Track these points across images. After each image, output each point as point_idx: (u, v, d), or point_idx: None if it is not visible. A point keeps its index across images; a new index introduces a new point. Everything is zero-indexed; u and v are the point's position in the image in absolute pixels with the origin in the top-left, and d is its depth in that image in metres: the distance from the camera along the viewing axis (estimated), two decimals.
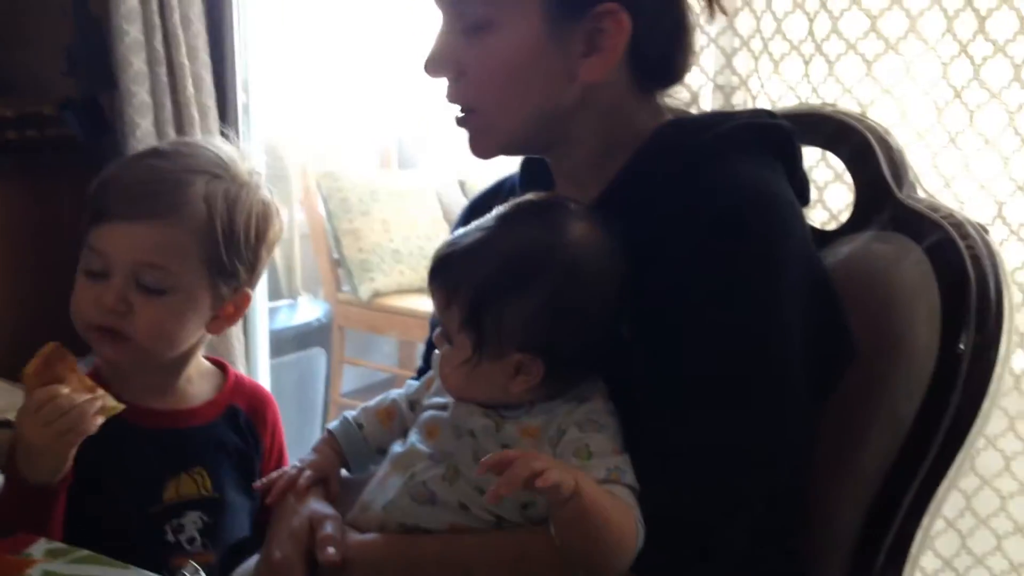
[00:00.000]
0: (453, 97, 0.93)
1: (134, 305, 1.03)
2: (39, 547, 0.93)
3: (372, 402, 0.99)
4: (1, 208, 1.97)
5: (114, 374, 1.10)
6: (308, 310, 2.75)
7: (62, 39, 2.04)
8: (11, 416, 1.85)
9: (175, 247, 1.04)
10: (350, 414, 0.98)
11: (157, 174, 1.06)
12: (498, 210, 0.89)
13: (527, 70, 0.89)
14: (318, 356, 2.65)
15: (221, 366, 1.18)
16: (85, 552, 0.92)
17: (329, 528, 0.87)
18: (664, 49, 0.93)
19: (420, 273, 3.13)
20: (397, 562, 0.86)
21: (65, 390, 0.97)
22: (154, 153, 1.13)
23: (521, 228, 0.86)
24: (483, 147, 0.94)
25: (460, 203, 3.28)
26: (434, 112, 3.45)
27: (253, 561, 0.94)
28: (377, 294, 3.05)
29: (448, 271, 0.87)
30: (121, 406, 1.00)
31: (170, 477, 1.09)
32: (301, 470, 0.94)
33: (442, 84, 0.94)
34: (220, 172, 1.08)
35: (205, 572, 1.06)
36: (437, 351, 0.91)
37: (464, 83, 0.91)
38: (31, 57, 2.08)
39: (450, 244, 0.88)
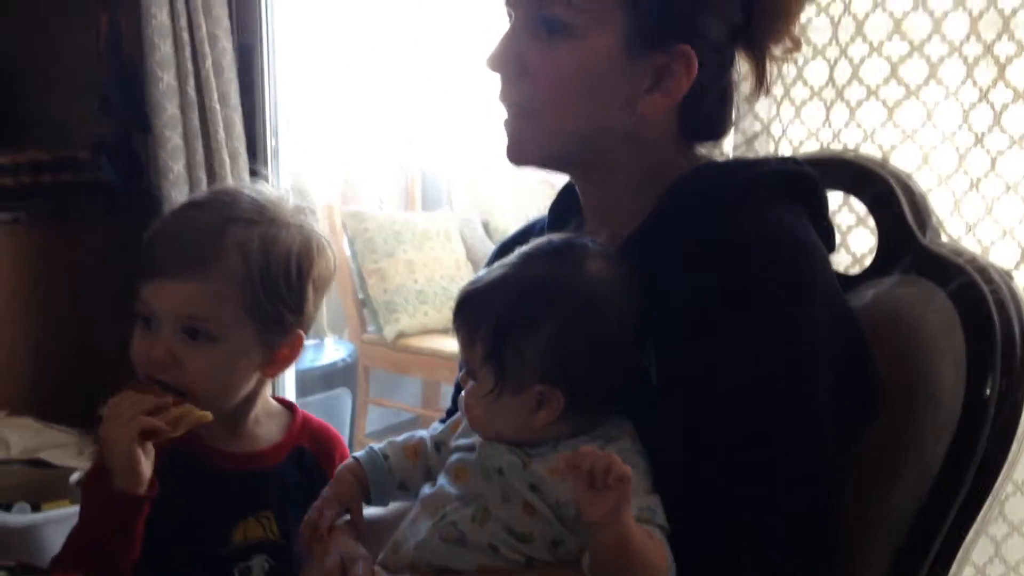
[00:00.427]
0: (508, 96, 0.94)
1: (182, 358, 1.05)
2: None
3: (399, 438, 1.01)
4: (34, 249, 2.01)
5: None
6: (334, 350, 2.78)
7: (97, 85, 2.10)
8: (42, 455, 1.89)
9: (214, 299, 1.05)
10: (376, 446, 1.00)
11: (193, 227, 1.08)
12: (520, 249, 0.91)
13: (593, 84, 0.91)
14: (343, 396, 2.67)
15: (289, 406, 1.19)
16: None
17: (360, 568, 0.88)
18: (713, 107, 0.95)
19: (444, 314, 3.15)
20: None
21: (140, 396, 1.01)
22: (193, 205, 1.15)
23: (540, 266, 0.89)
24: (523, 152, 0.95)
25: (484, 244, 3.30)
26: (458, 152, 3.50)
27: None
28: (402, 334, 3.07)
29: (470, 308, 0.90)
30: (208, 415, 1.02)
31: (239, 520, 1.09)
32: (321, 511, 0.95)
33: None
34: (257, 217, 1.08)
35: None
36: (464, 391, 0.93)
37: (524, 83, 0.92)
38: (67, 102, 2.14)
39: (472, 283, 0.91)
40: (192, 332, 1.05)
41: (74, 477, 1.86)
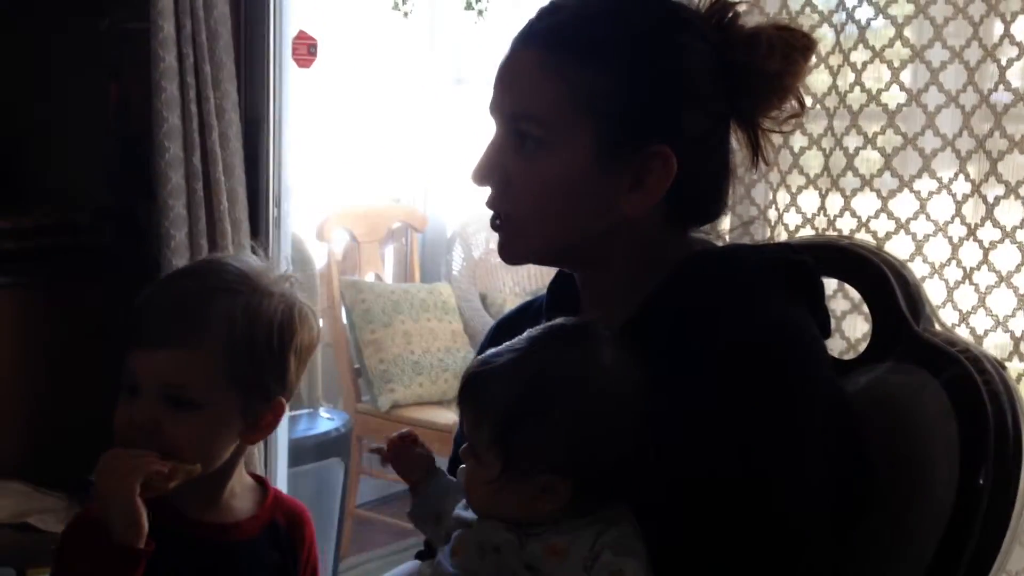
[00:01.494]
0: (494, 204, 0.95)
1: (165, 425, 1.05)
2: None
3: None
4: (32, 312, 2.01)
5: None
6: (327, 420, 2.76)
7: (104, 153, 2.13)
8: (30, 520, 1.86)
9: (197, 368, 1.06)
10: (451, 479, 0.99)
11: (178, 298, 1.09)
12: (530, 332, 0.90)
13: (570, 194, 0.92)
14: (336, 466, 2.64)
15: (261, 481, 1.19)
16: None
17: None
18: (703, 193, 0.96)
19: (439, 386, 3.15)
20: None
21: (131, 450, 1.01)
22: (180, 275, 1.19)
23: (552, 352, 0.88)
24: (514, 254, 0.97)
25: (481, 317, 3.31)
26: (458, 226, 3.53)
27: None
28: (396, 405, 3.06)
29: (479, 390, 0.89)
30: (197, 467, 1.03)
31: None
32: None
33: (477, 195, 0.97)
34: (241, 287, 1.09)
35: None
36: (463, 466, 0.92)
37: (508, 194, 0.94)
38: (74, 169, 2.17)
39: (482, 363, 0.90)
40: (175, 400, 1.05)
41: None
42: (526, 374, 0.87)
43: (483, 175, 0.95)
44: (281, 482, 2.16)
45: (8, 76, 2.14)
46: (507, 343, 0.91)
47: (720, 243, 1.06)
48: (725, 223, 1.55)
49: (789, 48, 0.93)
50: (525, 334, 0.91)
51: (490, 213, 0.97)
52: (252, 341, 1.08)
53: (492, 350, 0.91)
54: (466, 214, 3.48)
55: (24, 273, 1.98)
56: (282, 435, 2.17)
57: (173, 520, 1.07)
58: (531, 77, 0.92)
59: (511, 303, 3.29)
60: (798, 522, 0.86)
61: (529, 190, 0.93)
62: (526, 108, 0.92)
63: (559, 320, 0.92)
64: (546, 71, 0.91)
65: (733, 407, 0.86)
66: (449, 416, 3.02)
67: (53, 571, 1.04)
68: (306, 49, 2.23)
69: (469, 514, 0.91)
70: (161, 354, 1.06)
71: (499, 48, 0.97)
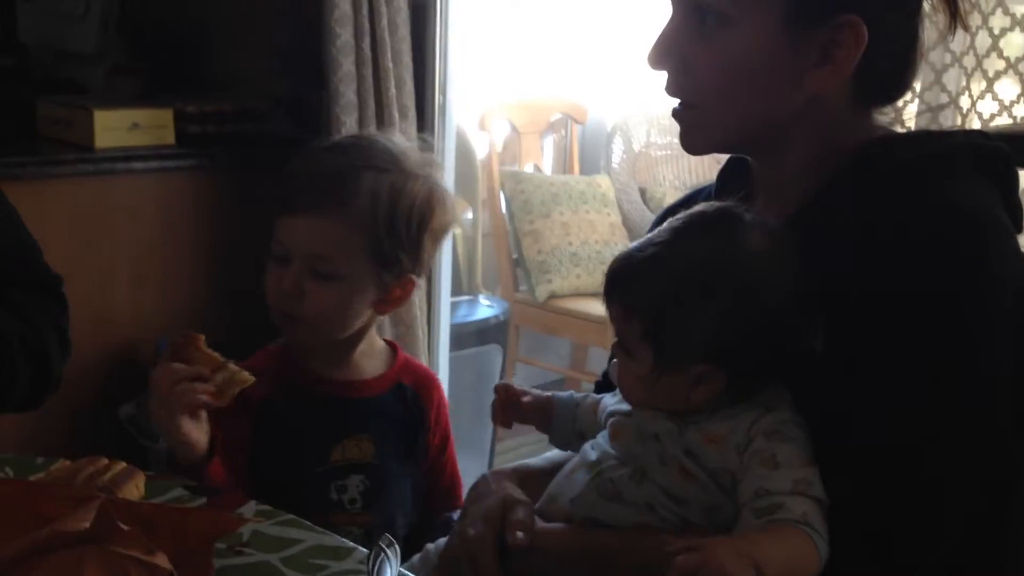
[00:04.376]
0: (673, 90, 0.93)
1: (306, 291, 1.13)
2: (249, 508, 1.01)
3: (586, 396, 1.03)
4: (216, 194, 2.12)
5: (298, 348, 1.21)
6: (487, 307, 2.83)
7: (278, 41, 2.19)
8: None
9: (341, 239, 1.12)
10: (574, 395, 1.02)
11: (329, 170, 1.15)
12: (671, 222, 0.89)
13: (756, 72, 0.88)
14: (494, 352, 2.71)
15: (392, 346, 1.27)
16: (289, 516, 0.99)
17: (520, 513, 0.92)
18: (893, 65, 0.91)
19: (596, 277, 3.16)
20: (580, 553, 0.90)
21: (178, 366, 1.04)
22: (332, 147, 1.21)
23: (695, 241, 0.87)
24: (696, 143, 0.95)
25: (640, 211, 3.28)
26: (619, 119, 3.48)
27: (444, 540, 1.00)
28: (553, 295, 3.10)
29: (625, 285, 0.89)
30: (251, 378, 1.05)
31: (337, 441, 1.18)
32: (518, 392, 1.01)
33: (638, 88, 0.95)
34: (389, 166, 1.15)
35: (362, 532, 1.14)
36: (614, 361, 0.93)
37: (688, 78, 0.91)
38: (249, 58, 2.24)
39: (625, 258, 0.90)
40: (318, 270, 1.13)
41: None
42: (670, 266, 0.86)
43: (658, 58, 0.91)
44: (442, 364, 2.24)
45: None
46: (649, 235, 0.90)
47: (903, 130, 1.00)
48: (911, 109, 1.47)
49: None
50: (666, 224, 0.89)
51: (656, 105, 0.95)
52: (393, 219, 1.14)
53: (634, 243, 0.90)
54: (627, 107, 3.42)
55: (209, 157, 2.07)
56: (444, 319, 2.23)
57: (300, 377, 1.17)
58: None
59: (671, 196, 3.23)
60: (982, 417, 0.83)
61: (710, 73, 0.89)
62: None
63: (699, 207, 0.90)
64: None
65: (913, 295, 0.82)
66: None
67: None
68: None
69: (624, 406, 0.92)
70: (307, 221, 1.13)
71: None
